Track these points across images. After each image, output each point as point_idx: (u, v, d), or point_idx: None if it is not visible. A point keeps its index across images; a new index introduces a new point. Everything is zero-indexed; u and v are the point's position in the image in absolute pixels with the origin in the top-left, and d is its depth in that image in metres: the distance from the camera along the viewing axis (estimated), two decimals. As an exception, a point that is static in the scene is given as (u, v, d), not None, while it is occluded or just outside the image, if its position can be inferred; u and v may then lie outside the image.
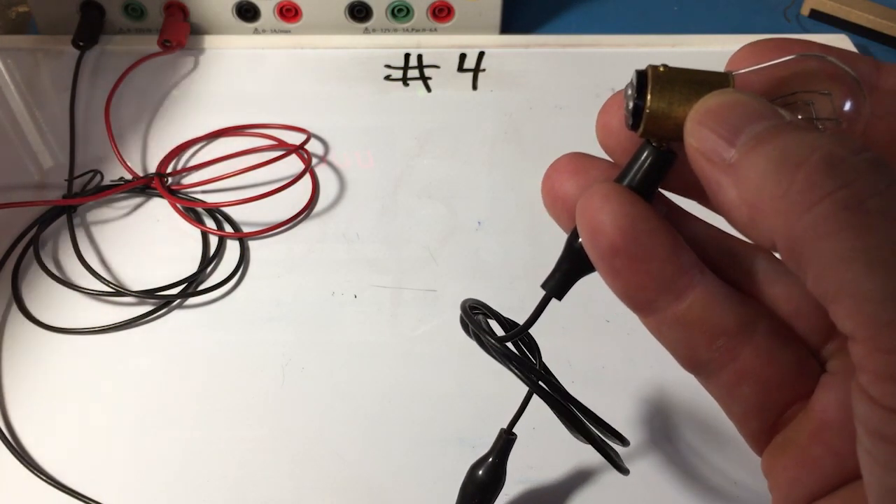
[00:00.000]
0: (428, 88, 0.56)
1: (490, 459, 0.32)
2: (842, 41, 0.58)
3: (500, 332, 0.27)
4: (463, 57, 0.57)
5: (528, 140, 0.52)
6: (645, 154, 0.20)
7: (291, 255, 0.46)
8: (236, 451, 0.38)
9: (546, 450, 0.37)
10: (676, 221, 0.21)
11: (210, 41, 0.58)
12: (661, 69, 0.20)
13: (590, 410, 0.27)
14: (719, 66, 0.21)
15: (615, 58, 0.57)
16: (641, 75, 0.20)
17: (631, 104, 0.20)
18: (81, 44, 0.55)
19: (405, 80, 0.56)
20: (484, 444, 0.32)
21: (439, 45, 0.58)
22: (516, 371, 0.26)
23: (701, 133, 0.18)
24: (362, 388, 0.40)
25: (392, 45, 0.58)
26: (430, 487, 0.37)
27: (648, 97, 0.20)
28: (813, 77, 0.19)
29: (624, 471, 0.30)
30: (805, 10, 0.62)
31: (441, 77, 0.56)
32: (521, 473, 0.36)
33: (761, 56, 0.20)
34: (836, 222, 0.16)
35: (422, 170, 0.50)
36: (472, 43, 0.58)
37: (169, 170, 0.50)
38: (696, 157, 0.18)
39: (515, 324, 0.27)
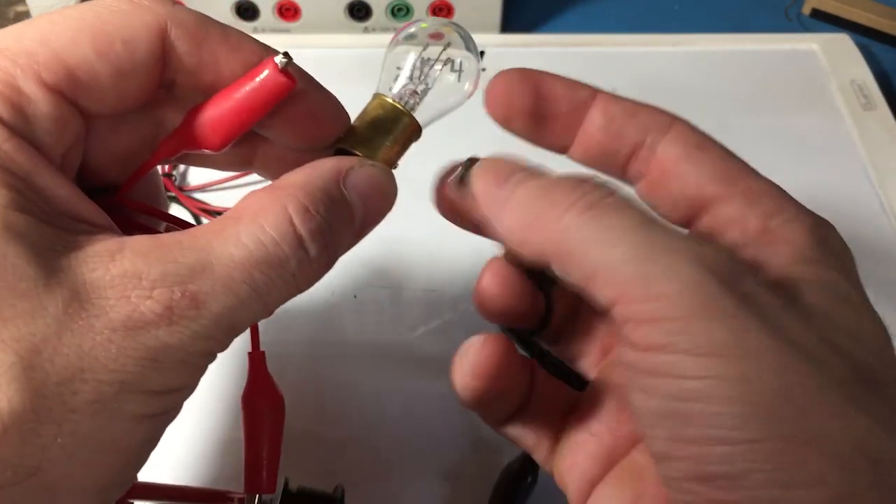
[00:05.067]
0: (428, 88, 0.55)
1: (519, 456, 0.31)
2: (843, 40, 0.58)
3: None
4: (463, 56, 0.57)
5: (528, 139, 0.52)
6: None
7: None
8: (234, 451, 0.38)
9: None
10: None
11: (210, 40, 0.58)
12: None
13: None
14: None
15: (616, 57, 0.57)
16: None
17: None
18: (81, 43, 0.55)
19: (405, 80, 0.56)
20: (484, 443, 0.32)
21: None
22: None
23: (479, 186, 0.25)
24: (361, 389, 0.40)
25: (392, 44, 0.58)
26: (431, 487, 0.37)
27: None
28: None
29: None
30: (806, 10, 0.62)
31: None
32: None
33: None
34: (581, 219, 0.20)
35: (422, 169, 0.50)
36: (472, 42, 0.58)
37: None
38: (480, 201, 0.24)
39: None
